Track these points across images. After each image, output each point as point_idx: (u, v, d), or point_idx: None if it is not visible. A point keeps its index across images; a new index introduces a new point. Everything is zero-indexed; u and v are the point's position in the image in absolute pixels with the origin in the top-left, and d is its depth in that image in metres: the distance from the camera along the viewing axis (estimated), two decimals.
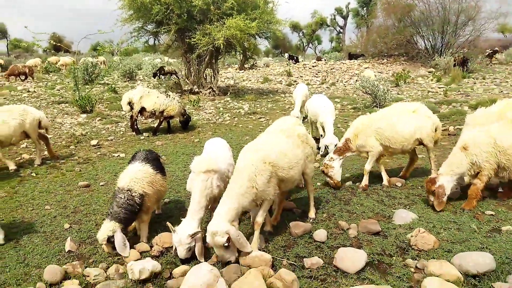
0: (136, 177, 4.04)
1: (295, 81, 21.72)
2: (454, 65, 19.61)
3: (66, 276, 3.45)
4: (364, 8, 46.34)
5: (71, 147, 8.68)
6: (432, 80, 18.94)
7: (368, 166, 5.60)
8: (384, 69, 23.93)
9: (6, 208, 5.22)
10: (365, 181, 5.63)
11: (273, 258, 3.59)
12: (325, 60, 31.54)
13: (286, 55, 25.74)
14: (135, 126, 10.00)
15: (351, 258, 3.44)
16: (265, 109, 13.73)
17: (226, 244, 3.35)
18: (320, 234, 4.05)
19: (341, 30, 49.78)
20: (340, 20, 49.56)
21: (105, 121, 11.20)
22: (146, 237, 4.14)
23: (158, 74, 21.03)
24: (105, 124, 10.88)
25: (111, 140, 9.38)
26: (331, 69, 24.68)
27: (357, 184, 5.82)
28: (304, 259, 3.60)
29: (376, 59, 27.06)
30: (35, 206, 5.30)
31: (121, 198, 3.88)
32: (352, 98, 15.27)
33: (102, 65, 25.94)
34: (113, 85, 17.16)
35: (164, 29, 15.53)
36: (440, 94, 14.68)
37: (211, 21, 15.29)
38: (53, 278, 3.35)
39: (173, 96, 10.14)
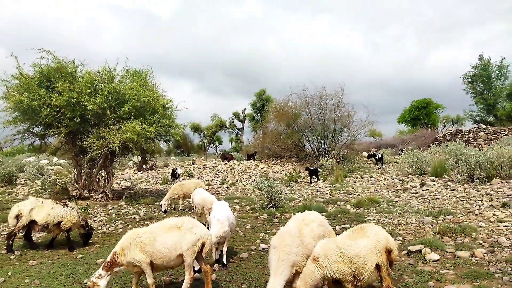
0: None
1: None
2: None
3: None
4: (259, 114, 51.23)
5: None
6: (319, 179, 20.89)
7: (149, 280, 5.46)
8: (278, 169, 25.74)
9: None
10: None
11: None
12: (236, 160, 30.84)
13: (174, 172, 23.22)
14: (10, 243, 8.65)
15: None
16: (162, 213, 13.23)
17: None
18: None
19: (240, 132, 53.40)
20: (238, 123, 53.53)
21: None
22: None
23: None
24: None
25: None
26: (231, 169, 25.62)
27: None
28: None
29: (271, 159, 29.18)
30: None
31: None
32: (250, 198, 15.75)
33: None
34: None
35: (52, 131, 14.72)
36: (326, 193, 16.06)
37: (106, 125, 14.97)
38: None
39: (72, 206, 9.23)
